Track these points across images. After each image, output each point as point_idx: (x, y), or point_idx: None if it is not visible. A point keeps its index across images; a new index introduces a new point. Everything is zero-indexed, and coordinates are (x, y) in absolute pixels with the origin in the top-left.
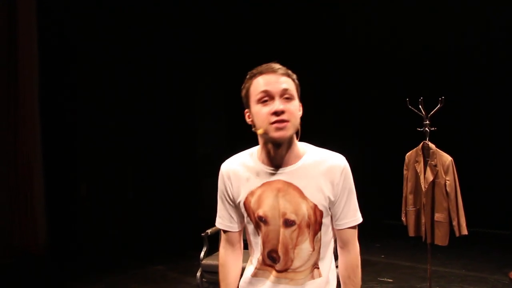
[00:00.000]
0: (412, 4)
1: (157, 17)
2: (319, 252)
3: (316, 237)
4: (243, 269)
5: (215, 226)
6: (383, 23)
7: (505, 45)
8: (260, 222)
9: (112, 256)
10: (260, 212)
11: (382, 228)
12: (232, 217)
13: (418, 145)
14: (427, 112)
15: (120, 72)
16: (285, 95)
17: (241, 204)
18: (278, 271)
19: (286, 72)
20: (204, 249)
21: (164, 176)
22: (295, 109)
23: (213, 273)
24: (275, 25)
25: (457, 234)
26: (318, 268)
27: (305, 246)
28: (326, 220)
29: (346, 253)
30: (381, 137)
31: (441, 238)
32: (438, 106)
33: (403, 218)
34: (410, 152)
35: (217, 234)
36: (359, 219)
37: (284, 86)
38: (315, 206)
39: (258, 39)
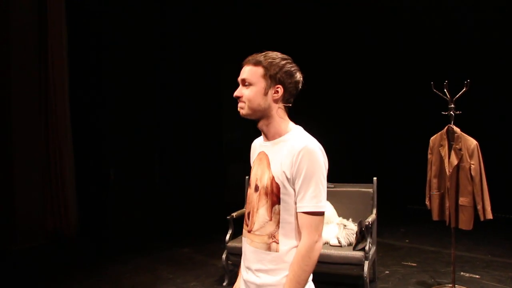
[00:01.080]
0: None
1: (180, 7)
2: (277, 226)
3: (274, 208)
4: None
5: (240, 209)
6: (410, 7)
7: None
8: (248, 185)
9: (140, 238)
10: (251, 175)
11: (407, 213)
12: None
13: (442, 129)
14: (452, 95)
15: (146, 62)
16: (245, 83)
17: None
18: (248, 232)
19: (254, 61)
20: (230, 232)
21: (190, 161)
22: (250, 93)
23: (238, 255)
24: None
25: (482, 218)
26: (277, 243)
27: (262, 212)
28: (285, 197)
29: (301, 240)
30: (406, 121)
31: (465, 222)
32: (464, 89)
33: (427, 202)
34: (435, 136)
35: (242, 218)
36: (316, 207)
37: (243, 76)
38: (273, 177)
39: (282, 23)
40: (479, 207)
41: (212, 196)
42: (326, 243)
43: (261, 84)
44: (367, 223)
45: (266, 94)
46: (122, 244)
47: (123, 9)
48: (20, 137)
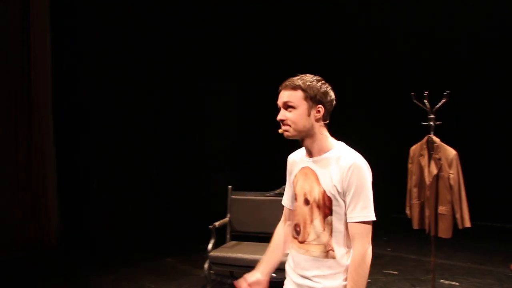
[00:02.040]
0: None
1: (165, 10)
2: (330, 235)
3: (326, 219)
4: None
5: (223, 218)
6: (390, 17)
7: None
8: (294, 199)
9: (123, 248)
10: (296, 190)
11: (389, 222)
12: (290, 196)
13: (423, 139)
14: (432, 106)
15: (129, 68)
16: (287, 107)
17: (291, 183)
18: (299, 242)
19: (293, 85)
20: (212, 241)
21: (174, 170)
22: (294, 116)
23: (220, 264)
24: (283, 20)
25: (460, 227)
26: (333, 250)
27: (317, 224)
28: (337, 208)
29: (353, 248)
30: (386, 131)
31: (444, 231)
32: (443, 100)
33: (408, 211)
34: (415, 145)
35: (224, 227)
36: (366, 216)
37: (285, 99)
38: (324, 192)
39: (267, 32)
40: (458, 215)
41: (196, 205)
42: None
43: (303, 106)
44: None
45: (309, 115)
46: (105, 254)
47: (108, 12)
48: (0, 143)
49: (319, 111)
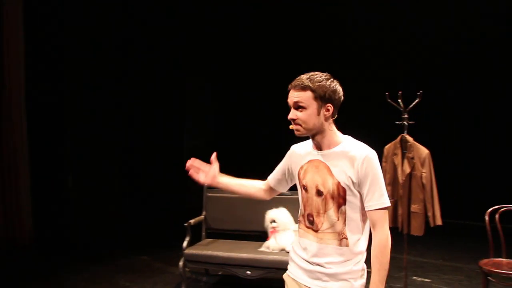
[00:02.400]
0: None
1: (143, 10)
2: (344, 223)
3: (340, 209)
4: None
5: (198, 216)
6: (366, 17)
7: (482, 40)
8: (303, 189)
9: (98, 246)
10: (304, 182)
11: None
12: (276, 176)
13: (396, 138)
14: (406, 105)
15: (107, 66)
16: (297, 106)
17: (295, 174)
18: (314, 231)
19: (302, 86)
20: (187, 239)
21: (151, 168)
22: (304, 116)
23: (195, 262)
24: (260, 20)
25: (432, 225)
26: (347, 238)
27: (331, 213)
28: (351, 198)
29: (375, 234)
30: (361, 130)
31: (416, 229)
32: (417, 100)
33: None
34: (389, 144)
35: (199, 225)
36: (383, 203)
37: (295, 99)
38: (338, 183)
39: (244, 32)
40: (430, 213)
41: (172, 203)
42: (283, 249)
43: (313, 106)
44: None
45: (319, 114)
46: (79, 252)
47: (82, 12)
48: None
49: (328, 110)
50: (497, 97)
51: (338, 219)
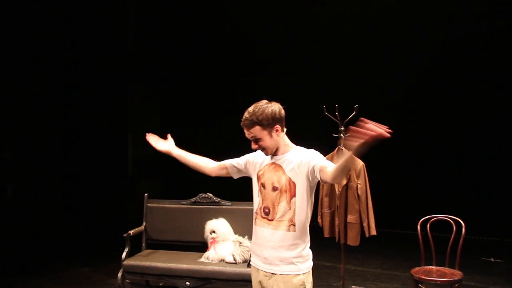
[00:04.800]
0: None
1: (86, 10)
2: (294, 212)
3: (292, 200)
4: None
5: (138, 227)
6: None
7: (411, 51)
8: (261, 187)
9: (36, 258)
10: (262, 181)
11: None
12: (238, 162)
13: (334, 150)
14: (342, 119)
15: (48, 70)
16: (254, 140)
17: (253, 173)
18: (269, 220)
19: (249, 124)
20: (126, 249)
21: (93, 178)
22: (263, 143)
23: (134, 273)
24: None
25: (367, 235)
26: (294, 225)
27: (283, 204)
28: (300, 191)
29: (331, 166)
30: (300, 142)
31: (352, 239)
32: (353, 113)
33: (319, 220)
34: (327, 156)
35: (140, 235)
36: (326, 160)
37: (249, 136)
38: (290, 179)
39: (190, 36)
40: (365, 224)
41: (114, 214)
42: (222, 260)
43: (264, 134)
44: None
45: (272, 136)
46: (16, 264)
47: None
48: None
49: (277, 130)
50: (429, 110)
51: (290, 209)
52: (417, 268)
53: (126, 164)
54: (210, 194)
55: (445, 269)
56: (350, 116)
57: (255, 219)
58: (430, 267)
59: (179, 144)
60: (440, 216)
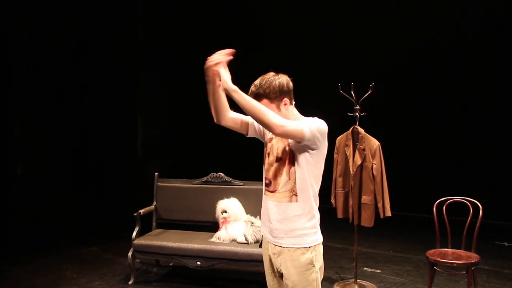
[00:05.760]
0: None
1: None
2: (294, 182)
3: (291, 170)
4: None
5: (148, 206)
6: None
7: (436, 34)
8: (267, 156)
9: (46, 237)
10: (268, 149)
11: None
12: (255, 123)
13: (348, 129)
14: (358, 97)
15: (56, 54)
16: None
17: (265, 141)
18: (271, 192)
19: (256, 95)
20: (136, 229)
21: (103, 158)
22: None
23: (145, 253)
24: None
25: (382, 216)
26: (296, 195)
27: (284, 175)
28: (301, 160)
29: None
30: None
31: (367, 220)
32: (369, 92)
33: (332, 201)
34: (341, 136)
35: (150, 215)
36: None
37: None
38: (290, 149)
39: (196, 23)
40: (380, 205)
41: (125, 193)
42: (234, 240)
43: (272, 107)
44: None
45: (280, 109)
46: (26, 243)
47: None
48: None
49: (285, 103)
50: (449, 91)
51: (290, 179)
52: (432, 251)
53: (135, 143)
54: (222, 174)
55: (461, 252)
56: (366, 95)
57: (264, 194)
58: (446, 249)
59: (186, 124)
60: (458, 198)
